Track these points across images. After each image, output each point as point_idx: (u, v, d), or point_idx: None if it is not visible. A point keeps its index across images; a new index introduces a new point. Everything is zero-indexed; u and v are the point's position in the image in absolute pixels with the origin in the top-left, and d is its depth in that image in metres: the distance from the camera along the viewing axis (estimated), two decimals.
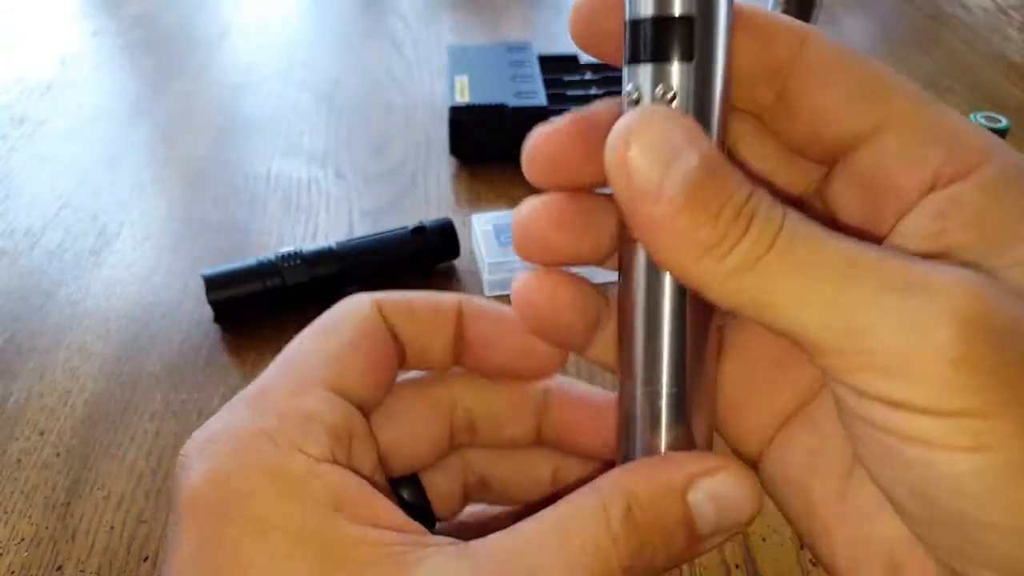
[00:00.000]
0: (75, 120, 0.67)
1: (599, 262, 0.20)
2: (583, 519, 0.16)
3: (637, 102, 0.16)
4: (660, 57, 0.16)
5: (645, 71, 0.16)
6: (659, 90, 0.16)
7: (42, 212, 0.56)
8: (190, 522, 0.16)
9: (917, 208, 0.16)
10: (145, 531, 0.36)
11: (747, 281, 0.14)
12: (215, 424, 0.18)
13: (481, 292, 0.48)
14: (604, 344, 0.20)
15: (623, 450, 0.19)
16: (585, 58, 0.67)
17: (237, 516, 0.16)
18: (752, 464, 0.20)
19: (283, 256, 0.46)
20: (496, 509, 0.24)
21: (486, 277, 0.48)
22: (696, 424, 0.18)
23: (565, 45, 0.70)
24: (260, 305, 0.45)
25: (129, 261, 0.52)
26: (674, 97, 0.16)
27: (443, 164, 0.61)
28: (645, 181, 0.15)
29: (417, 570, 0.15)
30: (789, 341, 0.15)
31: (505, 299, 0.20)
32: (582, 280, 0.20)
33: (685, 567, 0.34)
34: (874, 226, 0.17)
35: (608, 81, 0.65)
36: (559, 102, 0.60)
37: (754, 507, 0.18)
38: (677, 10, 0.16)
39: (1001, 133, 0.49)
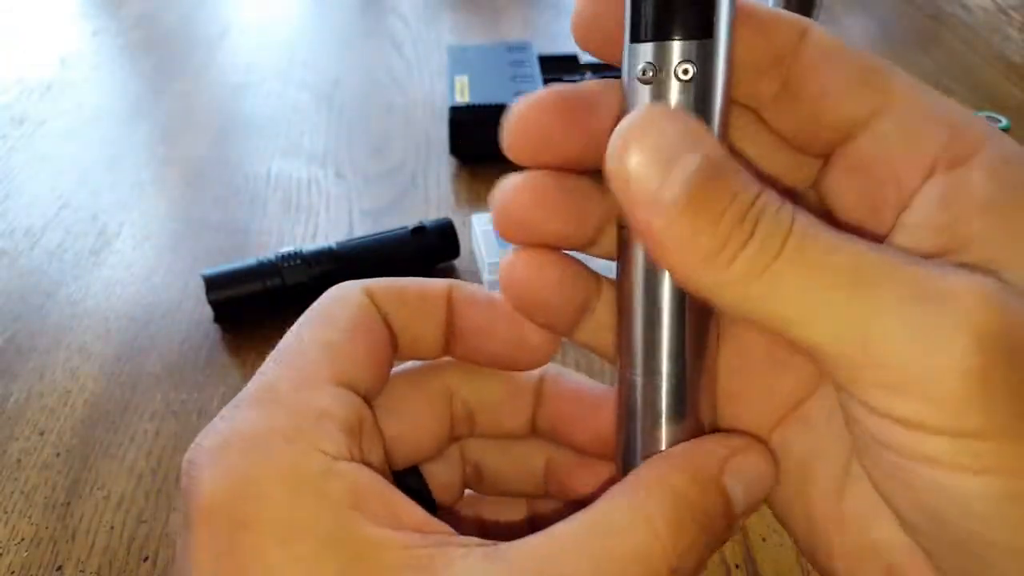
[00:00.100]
0: (75, 120, 0.67)
1: (585, 246, 0.19)
2: (624, 521, 0.16)
3: (648, 82, 0.16)
4: (677, 33, 0.15)
5: (659, 49, 0.15)
6: (678, 67, 0.15)
7: (42, 212, 0.56)
8: (206, 530, 0.15)
9: (919, 197, 0.15)
10: (145, 531, 0.36)
11: (755, 289, 0.14)
12: (222, 426, 0.17)
13: None
14: (594, 327, 0.20)
15: (624, 440, 0.19)
16: (585, 58, 0.67)
17: (257, 523, 0.15)
18: None
19: (283, 256, 0.46)
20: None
21: (486, 277, 0.48)
22: (702, 409, 0.18)
23: (565, 45, 0.70)
24: (260, 305, 0.45)
25: (129, 261, 0.52)
26: (692, 75, 0.15)
27: (443, 164, 0.61)
28: (644, 185, 0.14)
29: (446, 575, 0.15)
30: (801, 352, 0.14)
31: None
32: (572, 261, 0.19)
33: None
34: (874, 217, 0.17)
35: None
36: None
37: (775, 478, 0.18)
38: None
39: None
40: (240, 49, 0.80)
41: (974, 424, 0.13)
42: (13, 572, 0.34)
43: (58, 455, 0.39)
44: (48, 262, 0.52)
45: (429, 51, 0.78)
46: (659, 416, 0.18)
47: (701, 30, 0.15)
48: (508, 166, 0.18)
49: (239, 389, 0.18)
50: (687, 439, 0.18)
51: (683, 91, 0.16)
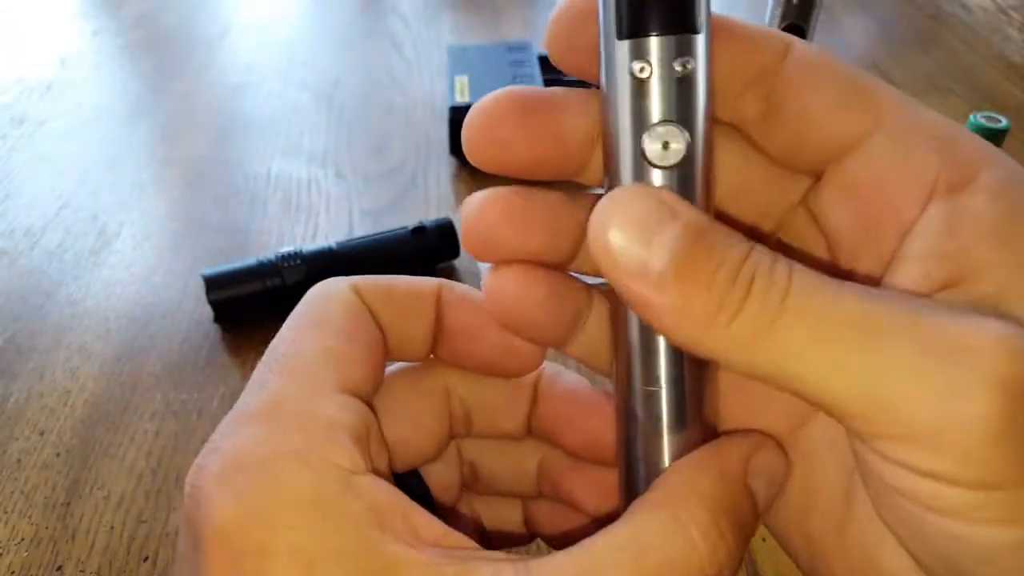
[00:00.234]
0: (75, 120, 0.67)
1: (564, 263, 0.19)
2: (659, 533, 0.15)
3: (643, 81, 0.15)
4: (673, 28, 0.15)
5: (655, 44, 0.15)
6: (677, 62, 0.15)
7: (42, 212, 0.56)
8: (221, 559, 0.15)
9: (921, 224, 0.15)
10: (145, 531, 0.36)
11: (760, 348, 0.13)
12: (227, 446, 0.16)
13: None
14: (586, 341, 0.19)
15: (629, 449, 0.18)
16: None
17: (278, 550, 0.14)
18: None
19: (283, 256, 0.46)
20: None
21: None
22: (707, 413, 0.18)
23: None
24: (260, 305, 0.45)
25: (129, 261, 0.52)
26: (692, 70, 0.15)
27: (443, 164, 0.61)
28: (630, 261, 0.14)
29: None
30: (812, 406, 0.14)
31: None
32: (560, 275, 0.19)
33: None
34: (870, 240, 0.16)
35: None
36: None
37: (789, 472, 0.17)
38: None
39: (1001, 133, 0.49)
40: (240, 49, 0.80)
41: (998, 476, 0.12)
42: (13, 572, 0.34)
43: (58, 455, 0.39)
44: (48, 262, 0.52)
45: (429, 51, 0.78)
46: (660, 423, 0.17)
47: (695, 26, 0.15)
48: None
49: (239, 389, 0.17)
50: (698, 445, 0.17)
51: (680, 88, 0.15)
